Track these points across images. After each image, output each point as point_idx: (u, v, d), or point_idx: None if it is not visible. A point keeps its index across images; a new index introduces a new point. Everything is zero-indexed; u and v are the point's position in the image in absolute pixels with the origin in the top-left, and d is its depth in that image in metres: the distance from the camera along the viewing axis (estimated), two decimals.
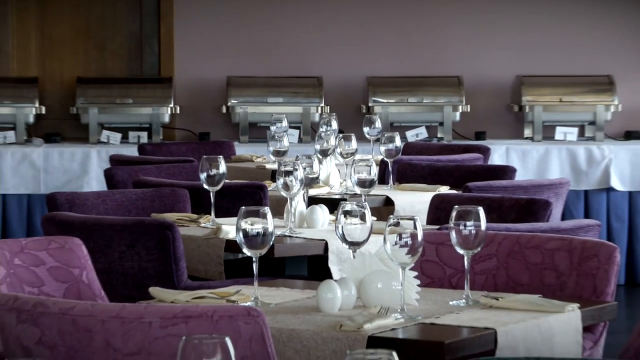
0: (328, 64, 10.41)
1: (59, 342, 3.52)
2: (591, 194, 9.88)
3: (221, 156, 5.81)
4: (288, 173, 5.44)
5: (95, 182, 9.53)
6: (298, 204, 5.66)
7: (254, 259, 4.07)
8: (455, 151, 8.78)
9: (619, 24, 10.54)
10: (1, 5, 10.39)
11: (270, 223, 4.02)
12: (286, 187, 5.46)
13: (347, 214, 4.06)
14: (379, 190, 6.79)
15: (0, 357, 3.92)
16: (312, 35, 10.49)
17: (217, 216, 5.82)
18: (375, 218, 4.14)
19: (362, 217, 4.06)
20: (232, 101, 10.10)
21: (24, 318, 3.57)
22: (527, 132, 10.16)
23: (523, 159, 9.80)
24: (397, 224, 3.83)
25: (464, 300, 4.07)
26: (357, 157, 6.65)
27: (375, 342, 3.65)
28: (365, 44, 10.48)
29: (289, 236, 5.48)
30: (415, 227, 3.81)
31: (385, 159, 7.20)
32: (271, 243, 4.04)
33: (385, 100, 10.12)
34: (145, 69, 10.60)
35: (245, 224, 4.02)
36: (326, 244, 5.42)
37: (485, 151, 8.75)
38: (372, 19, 10.48)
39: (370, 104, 10.08)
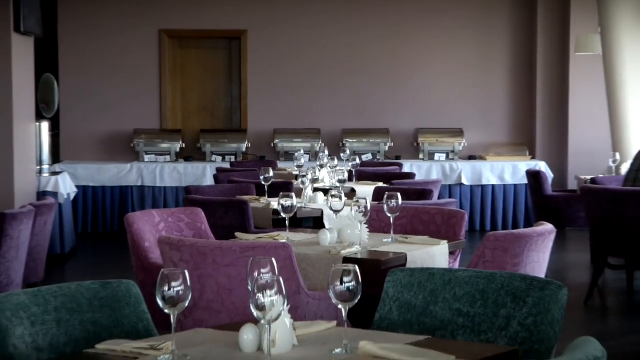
0: (323, 121, 10.35)
1: (190, 260, 3.49)
2: (452, 186, 9.84)
3: (270, 167, 5.78)
4: (303, 176, 5.43)
5: (209, 181, 9.51)
6: (308, 191, 5.62)
7: (286, 218, 4.04)
8: (386, 165, 8.77)
9: (467, 99, 10.50)
10: (163, 92, 10.34)
11: (294, 201, 3.99)
12: (302, 183, 5.43)
13: (333, 196, 4.03)
14: (348, 185, 6.76)
15: (160, 267, 3.88)
16: (316, 106, 10.42)
17: (268, 197, 5.78)
18: (346, 198, 4.10)
19: (340, 198, 4.02)
20: (276, 141, 10.05)
21: (173, 247, 3.54)
22: (421, 156, 10.09)
23: (419, 169, 9.76)
24: (357, 201, 3.81)
25: (390, 239, 4.03)
26: (337, 168, 6.62)
27: (347, 260, 3.63)
28: (340, 111, 10.42)
29: (304, 207, 5.44)
30: (367, 203, 3.79)
31: (351, 169, 7.17)
32: (295, 210, 4.01)
33: (351, 140, 10.08)
34: (233, 124, 10.54)
35: (282, 201, 3.99)
36: (322, 211, 5.39)
37: (401, 165, 8.75)
38: (344, 99, 10.43)
39: (344, 142, 10.03)
